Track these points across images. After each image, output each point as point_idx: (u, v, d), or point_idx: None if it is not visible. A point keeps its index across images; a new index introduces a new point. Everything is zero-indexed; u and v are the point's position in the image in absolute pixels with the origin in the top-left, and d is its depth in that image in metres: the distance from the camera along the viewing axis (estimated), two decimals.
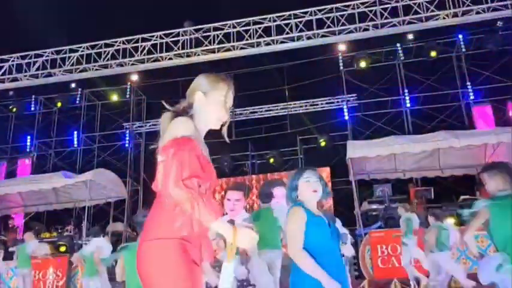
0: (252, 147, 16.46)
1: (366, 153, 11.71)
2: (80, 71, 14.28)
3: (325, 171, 13.78)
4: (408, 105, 14.29)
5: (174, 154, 2.08)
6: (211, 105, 2.33)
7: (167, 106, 2.33)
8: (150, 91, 16.45)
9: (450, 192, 12.51)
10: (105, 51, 14.13)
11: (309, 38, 13.12)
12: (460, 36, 14.34)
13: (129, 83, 16.22)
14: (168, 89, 16.28)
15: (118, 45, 14.09)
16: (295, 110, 15.65)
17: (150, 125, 16.62)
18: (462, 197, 11.58)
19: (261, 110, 15.97)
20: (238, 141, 16.32)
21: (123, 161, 15.99)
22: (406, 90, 14.40)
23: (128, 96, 16.34)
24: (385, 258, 10.30)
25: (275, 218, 6.73)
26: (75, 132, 16.74)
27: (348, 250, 7.45)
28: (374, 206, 11.95)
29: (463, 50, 14.39)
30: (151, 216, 2.21)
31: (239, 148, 16.29)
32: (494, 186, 3.96)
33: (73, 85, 16.12)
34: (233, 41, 13.43)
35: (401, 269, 9.52)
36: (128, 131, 16.34)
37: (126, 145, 16.18)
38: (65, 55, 14.36)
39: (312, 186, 3.26)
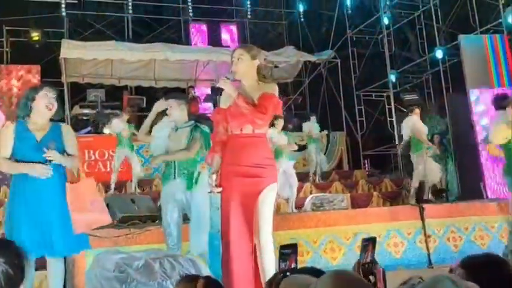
0: None
1: (82, 55, 11.22)
2: None
3: (35, 69, 12.61)
4: (131, 12, 14.03)
5: None
6: None
7: None
8: None
9: None
10: None
11: None
12: None
13: None
14: None
15: None
16: None
17: None
18: None
19: None
20: None
21: None
22: None
23: None
24: (91, 163, 10.34)
25: None
26: None
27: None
28: (86, 111, 11.70)
29: None
30: None
31: None
32: None
33: None
34: None
35: (106, 173, 9.76)
36: None
37: None
38: None
39: (49, 102, 3.48)
